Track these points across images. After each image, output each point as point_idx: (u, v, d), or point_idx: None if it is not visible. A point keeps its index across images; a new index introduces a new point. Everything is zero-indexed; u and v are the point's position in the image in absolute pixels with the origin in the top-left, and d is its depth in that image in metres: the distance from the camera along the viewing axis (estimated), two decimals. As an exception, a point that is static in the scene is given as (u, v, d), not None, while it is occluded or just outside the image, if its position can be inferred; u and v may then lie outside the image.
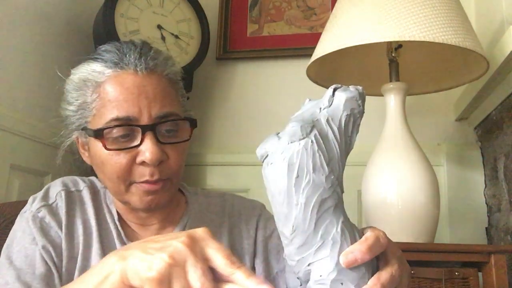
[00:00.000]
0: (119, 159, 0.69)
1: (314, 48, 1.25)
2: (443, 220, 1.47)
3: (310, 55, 1.24)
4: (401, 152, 1.19)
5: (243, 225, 0.83)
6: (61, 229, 0.72)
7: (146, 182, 0.70)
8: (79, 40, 1.67)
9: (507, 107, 1.27)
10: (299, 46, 1.70)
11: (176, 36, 1.60)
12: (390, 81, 1.26)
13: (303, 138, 0.50)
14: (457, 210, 1.50)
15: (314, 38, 1.40)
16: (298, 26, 1.75)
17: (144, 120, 0.69)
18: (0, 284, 0.66)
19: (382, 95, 1.27)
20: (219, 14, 1.81)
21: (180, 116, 0.73)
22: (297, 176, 0.49)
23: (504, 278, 1.04)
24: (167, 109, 0.71)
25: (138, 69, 0.70)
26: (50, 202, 0.75)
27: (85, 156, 0.77)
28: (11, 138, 1.33)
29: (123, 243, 0.74)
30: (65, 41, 1.61)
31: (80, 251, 0.72)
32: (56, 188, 0.77)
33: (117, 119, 0.68)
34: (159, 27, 1.58)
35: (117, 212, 0.77)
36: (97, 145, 0.71)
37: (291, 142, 0.50)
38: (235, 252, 0.80)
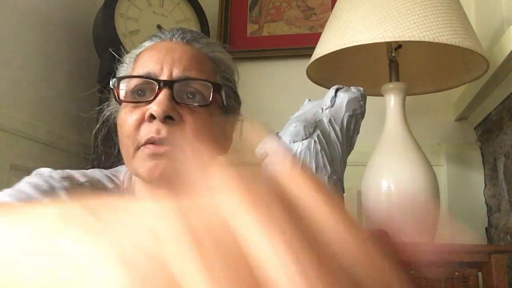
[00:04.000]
0: (131, 117, 0.66)
1: (314, 48, 1.25)
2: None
3: (310, 55, 1.24)
4: (401, 152, 1.19)
5: None
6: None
7: (151, 142, 0.64)
8: (79, 40, 1.67)
9: (507, 107, 1.27)
10: (299, 46, 1.70)
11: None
12: (390, 81, 1.26)
13: (306, 138, 0.50)
14: (457, 210, 1.50)
15: (314, 38, 1.40)
16: (298, 26, 1.75)
17: (163, 77, 0.66)
18: None
19: (382, 95, 1.27)
20: (219, 14, 1.80)
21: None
22: (300, 176, 0.49)
23: (504, 278, 1.04)
24: (192, 74, 0.67)
25: (173, 38, 0.71)
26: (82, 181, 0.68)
27: None
28: (11, 138, 1.32)
29: None
30: (65, 41, 1.61)
31: None
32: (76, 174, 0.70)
33: (137, 75, 0.68)
34: (159, 27, 1.57)
35: None
36: (120, 109, 0.69)
37: (293, 142, 0.50)
38: None
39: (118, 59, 0.77)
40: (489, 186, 1.46)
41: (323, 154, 0.51)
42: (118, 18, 1.50)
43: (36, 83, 1.46)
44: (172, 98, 0.65)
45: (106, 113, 0.75)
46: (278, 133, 0.54)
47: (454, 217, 1.50)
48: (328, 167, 0.51)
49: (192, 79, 0.67)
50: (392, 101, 1.24)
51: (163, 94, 0.64)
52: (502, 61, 1.14)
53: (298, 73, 1.47)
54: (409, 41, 1.07)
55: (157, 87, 0.65)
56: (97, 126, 0.76)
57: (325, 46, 1.17)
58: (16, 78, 1.39)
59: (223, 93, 0.72)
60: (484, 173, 1.50)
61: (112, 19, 1.48)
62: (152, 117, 0.64)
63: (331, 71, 1.40)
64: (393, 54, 1.26)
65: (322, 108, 0.53)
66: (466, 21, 1.16)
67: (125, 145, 0.67)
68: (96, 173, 0.72)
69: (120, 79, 0.68)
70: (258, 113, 1.74)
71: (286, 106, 1.25)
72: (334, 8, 1.26)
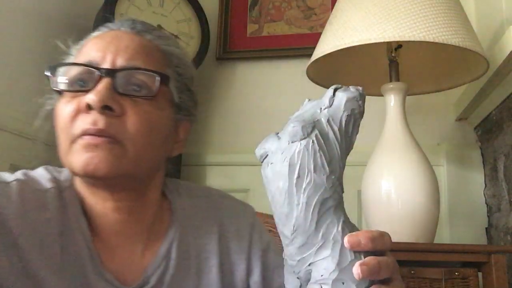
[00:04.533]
0: (67, 108, 0.60)
1: (314, 48, 1.25)
2: (443, 220, 1.47)
3: (310, 55, 1.24)
4: (401, 152, 1.19)
5: (233, 235, 0.71)
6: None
7: (87, 133, 0.58)
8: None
9: (507, 107, 1.27)
10: (299, 46, 1.70)
11: (176, 36, 1.60)
12: (390, 81, 1.26)
13: (304, 138, 0.50)
14: (457, 210, 1.50)
15: (314, 38, 1.40)
16: (298, 26, 1.75)
17: (105, 65, 0.61)
18: None
19: (382, 95, 1.27)
20: (219, 14, 1.80)
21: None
22: (298, 176, 0.50)
23: (504, 278, 1.04)
24: (138, 64, 0.61)
25: (122, 27, 0.66)
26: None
27: None
28: (11, 138, 1.32)
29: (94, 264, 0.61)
30: (65, 41, 1.61)
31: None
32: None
33: (75, 63, 0.63)
34: (159, 27, 1.58)
35: (89, 227, 0.63)
36: (58, 100, 0.64)
37: (292, 142, 0.51)
38: (224, 269, 0.69)
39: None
40: (489, 186, 1.46)
41: (321, 154, 0.51)
42: (118, 18, 1.50)
43: (36, 83, 1.46)
44: (113, 88, 0.59)
45: (48, 107, 0.68)
46: (277, 133, 0.54)
47: (454, 217, 1.50)
48: (327, 167, 0.51)
49: (137, 69, 0.61)
50: (392, 101, 1.24)
51: (103, 83, 0.58)
52: (502, 61, 1.14)
53: (298, 73, 1.47)
54: (409, 41, 1.07)
55: (98, 76, 0.59)
56: (38, 121, 0.69)
57: (325, 46, 1.17)
58: (16, 78, 1.39)
59: (172, 87, 0.65)
60: (484, 173, 1.50)
61: (112, 19, 1.48)
62: (89, 107, 0.58)
63: (331, 71, 1.39)
64: (393, 54, 1.26)
65: (321, 108, 0.53)
66: (466, 21, 1.16)
67: (61, 139, 0.61)
68: (38, 172, 0.68)
69: (56, 67, 0.62)
70: (258, 113, 1.74)
71: (286, 106, 1.26)
72: (334, 8, 1.26)
